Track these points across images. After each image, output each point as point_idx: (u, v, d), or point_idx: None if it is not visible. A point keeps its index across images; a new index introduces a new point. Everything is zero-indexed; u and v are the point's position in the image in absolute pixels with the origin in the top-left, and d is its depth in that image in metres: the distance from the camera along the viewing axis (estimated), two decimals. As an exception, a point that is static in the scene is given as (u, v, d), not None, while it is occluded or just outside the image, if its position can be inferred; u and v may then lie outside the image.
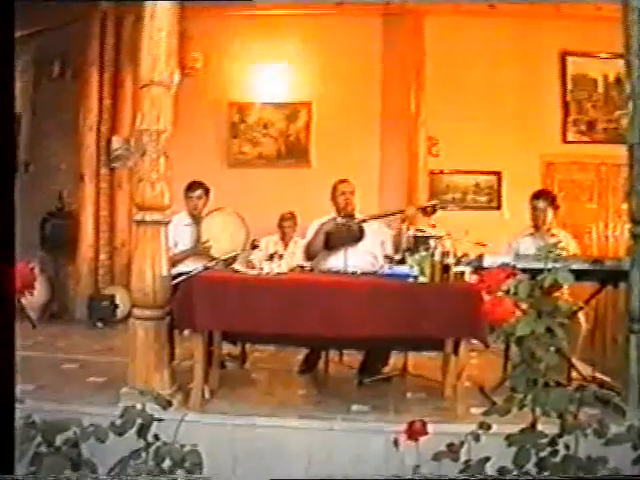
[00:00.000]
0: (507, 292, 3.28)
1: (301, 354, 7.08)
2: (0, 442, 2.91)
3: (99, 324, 9.56)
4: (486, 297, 3.41)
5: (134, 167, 9.91)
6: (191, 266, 6.25)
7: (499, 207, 10.50)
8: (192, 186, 7.20)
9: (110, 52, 10.57)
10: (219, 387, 6.13)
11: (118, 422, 3.58)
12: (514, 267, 3.62)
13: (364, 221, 6.80)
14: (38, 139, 10.92)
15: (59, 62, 10.87)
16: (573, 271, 3.40)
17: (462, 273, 5.78)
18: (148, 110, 5.57)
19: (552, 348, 3.15)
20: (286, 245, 9.07)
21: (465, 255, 6.04)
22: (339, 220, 6.82)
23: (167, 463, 3.48)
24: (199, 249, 6.82)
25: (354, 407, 5.67)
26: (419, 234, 6.19)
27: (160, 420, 3.69)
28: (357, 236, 6.74)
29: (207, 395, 5.75)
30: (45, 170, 10.72)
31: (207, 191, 7.25)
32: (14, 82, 3.35)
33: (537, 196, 7.22)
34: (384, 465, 4.90)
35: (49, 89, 10.92)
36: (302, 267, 6.54)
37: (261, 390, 6.47)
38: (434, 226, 6.38)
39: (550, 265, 3.27)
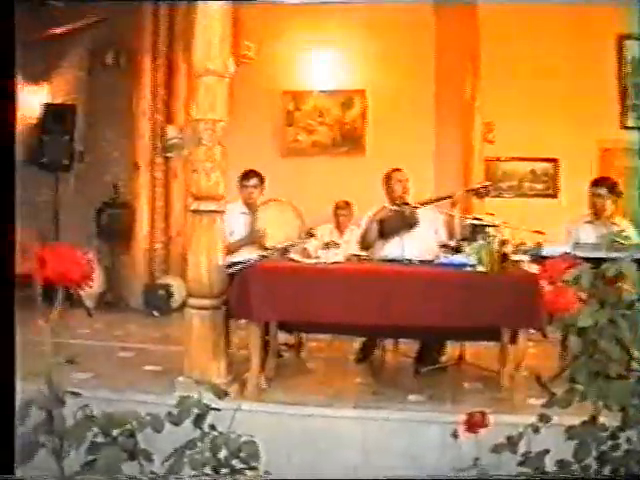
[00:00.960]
0: (568, 282, 3.22)
1: (357, 343, 7.04)
2: (0, 442, 2.91)
3: (154, 313, 9.62)
4: (547, 287, 3.35)
5: (189, 156, 9.95)
6: (246, 255, 6.24)
7: (556, 195, 10.37)
8: (247, 175, 7.16)
9: (164, 40, 10.55)
10: (275, 376, 6.12)
11: (174, 412, 3.57)
12: (575, 256, 3.52)
13: (417, 208, 6.74)
14: (93, 129, 11.00)
15: (113, 51, 10.94)
16: (636, 261, 3.32)
17: (520, 262, 5.71)
18: (203, 99, 5.56)
19: (614, 340, 3.07)
20: (341, 234, 9.03)
21: (522, 244, 5.97)
22: (393, 207, 6.78)
23: (223, 453, 3.47)
24: (254, 238, 6.79)
25: (410, 397, 5.64)
26: (476, 222, 6.13)
27: (216, 410, 3.67)
28: (411, 223, 6.70)
29: (263, 384, 5.75)
30: (100, 160, 10.81)
31: (262, 180, 7.21)
32: (15, 83, 3.35)
33: (597, 183, 7.09)
34: (440, 456, 4.87)
35: (103, 78, 10.99)
36: (358, 256, 6.47)
37: (317, 379, 6.43)
38: (492, 214, 6.30)
39: (613, 254, 3.20)
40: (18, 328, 2.95)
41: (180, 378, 5.47)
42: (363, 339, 6.96)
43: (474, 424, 3.74)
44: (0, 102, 3.17)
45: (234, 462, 3.47)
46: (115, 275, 10.33)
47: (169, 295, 9.72)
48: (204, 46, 5.58)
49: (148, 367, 6.41)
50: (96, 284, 9.02)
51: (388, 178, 6.91)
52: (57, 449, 2.90)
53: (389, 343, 6.93)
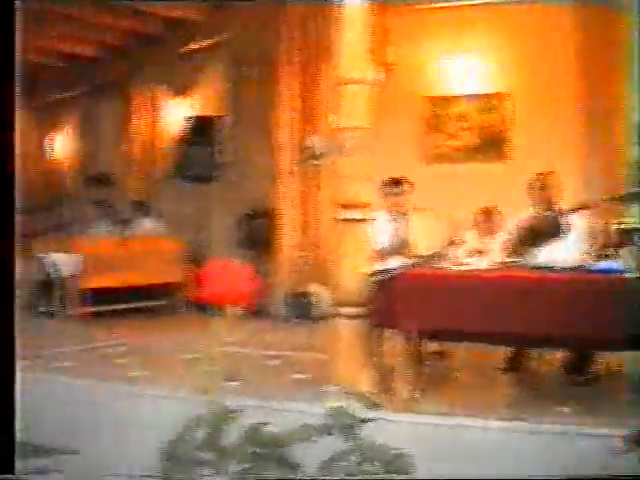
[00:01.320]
0: None
1: (505, 352, 6.89)
2: (0, 442, 2.92)
3: (297, 321, 9.66)
4: None
5: (332, 165, 9.98)
6: (393, 263, 6.20)
7: None
8: (392, 182, 7.12)
9: (305, 51, 10.63)
10: (422, 386, 6.04)
11: (325, 422, 3.55)
12: None
13: (564, 214, 6.58)
14: (236, 140, 11.17)
15: (255, 63, 11.08)
16: None
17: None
18: (348, 107, 5.56)
19: None
20: (487, 241, 8.86)
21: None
22: (539, 214, 6.63)
23: (374, 466, 3.42)
24: (400, 247, 6.74)
25: (561, 408, 5.46)
26: (626, 227, 5.94)
27: (367, 421, 3.63)
28: (558, 230, 6.53)
29: (410, 394, 5.68)
30: (243, 170, 10.95)
31: (407, 187, 7.16)
32: (14, 83, 3.37)
33: None
34: (597, 470, 4.71)
35: (246, 90, 11.15)
36: (504, 263, 6.34)
37: (464, 389, 6.33)
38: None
39: None
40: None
41: (328, 387, 5.46)
42: (511, 349, 6.80)
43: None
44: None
45: (385, 476, 3.42)
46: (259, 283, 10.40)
47: (312, 303, 9.75)
48: (349, 54, 5.59)
49: (296, 375, 6.42)
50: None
51: (535, 182, 6.76)
52: (217, 465, 2.90)
53: (538, 353, 6.75)
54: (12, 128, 3.32)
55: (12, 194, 3.28)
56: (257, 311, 10.12)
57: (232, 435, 2.99)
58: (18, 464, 3.10)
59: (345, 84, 5.60)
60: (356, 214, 5.47)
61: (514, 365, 6.72)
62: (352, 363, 5.43)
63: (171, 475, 2.90)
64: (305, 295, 9.87)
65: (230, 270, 2.78)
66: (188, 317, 9.65)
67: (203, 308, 2.87)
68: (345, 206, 5.49)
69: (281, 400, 5.58)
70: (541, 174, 6.79)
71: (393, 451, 3.46)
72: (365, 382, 5.43)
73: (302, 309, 9.78)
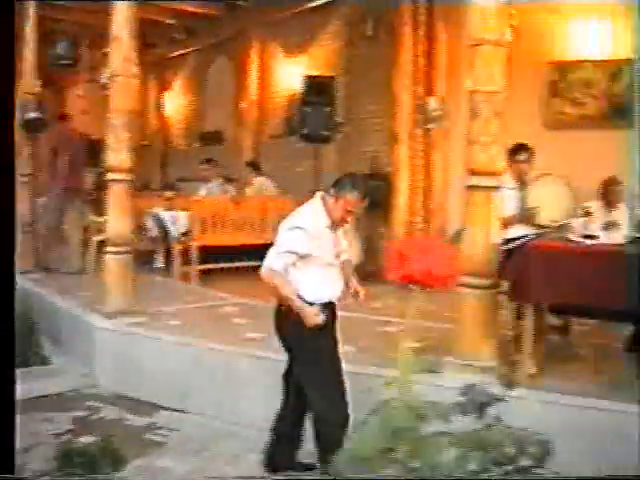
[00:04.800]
0: None
1: (627, 330, 6.59)
2: (0, 442, 2.83)
3: (411, 287, 9.48)
4: None
5: (450, 128, 9.78)
6: (520, 232, 6.00)
7: None
8: (517, 149, 6.89)
9: (423, 10, 10.42)
10: (544, 362, 5.81)
11: (460, 400, 3.41)
12: None
13: None
14: (353, 100, 11.04)
15: (372, 22, 10.93)
16: None
17: None
18: (480, 70, 5.36)
19: None
20: (610, 212, 8.55)
21: None
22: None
23: (509, 449, 3.25)
24: (526, 215, 6.52)
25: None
26: None
27: (502, 400, 3.48)
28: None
29: (532, 369, 5.48)
30: (360, 131, 10.84)
31: (532, 154, 6.92)
32: (14, 83, 3.25)
33: None
34: None
35: (363, 49, 11.00)
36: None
37: (588, 367, 6.07)
38: None
39: None
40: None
41: (448, 358, 5.31)
42: (634, 327, 6.51)
43: None
44: None
45: (522, 459, 3.25)
46: (374, 246, 10.30)
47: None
48: (481, 14, 5.37)
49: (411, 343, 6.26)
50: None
51: None
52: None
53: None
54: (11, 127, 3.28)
55: (12, 189, 3.20)
56: (373, 274, 9.99)
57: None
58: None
59: (477, 45, 5.37)
60: (488, 181, 5.25)
61: (637, 343, 6.44)
62: (477, 335, 5.25)
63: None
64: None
65: (433, 249, 2.63)
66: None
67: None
68: (476, 172, 5.28)
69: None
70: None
71: (532, 435, 3.30)
72: (488, 355, 5.25)
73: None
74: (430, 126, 10.22)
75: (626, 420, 4.72)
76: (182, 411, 6.54)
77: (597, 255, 5.25)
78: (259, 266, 4.79)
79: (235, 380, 6.36)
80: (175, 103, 17.51)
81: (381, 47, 10.74)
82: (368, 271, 9.96)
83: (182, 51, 16.79)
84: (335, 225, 4.94)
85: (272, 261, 4.71)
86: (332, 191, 4.88)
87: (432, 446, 2.95)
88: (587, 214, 6.11)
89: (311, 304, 4.66)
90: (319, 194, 4.96)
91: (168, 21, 15.15)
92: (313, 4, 12.08)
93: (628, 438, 4.59)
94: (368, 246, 10.15)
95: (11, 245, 3.48)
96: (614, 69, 9.98)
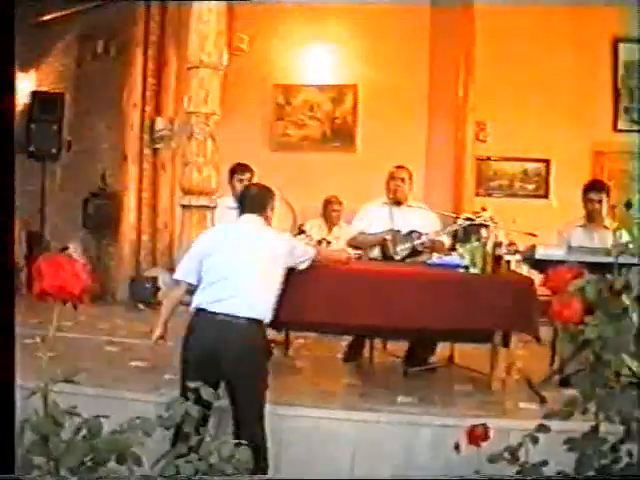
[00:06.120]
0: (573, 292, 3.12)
1: (345, 341, 6.93)
2: (0, 442, 2.82)
3: (140, 306, 9.50)
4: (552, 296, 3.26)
5: (178, 149, 9.87)
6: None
7: (546, 195, 10.32)
8: (238, 169, 7.01)
9: (155, 31, 10.48)
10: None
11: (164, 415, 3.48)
12: (579, 266, 3.40)
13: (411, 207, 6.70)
14: (81, 118, 10.91)
15: (103, 40, 10.86)
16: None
17: (508, 262, 5.67)
18: (196, 92, 5.51)
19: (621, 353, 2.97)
20: (330, 230, 8.93)
21: (512, 244, 5.91)
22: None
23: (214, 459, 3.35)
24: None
25: (400, 398, 5.52)
26: (470, 223, 6.06)
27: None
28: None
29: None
30: (88, 149, 10.72)
31: (252, 174, 7.10)
32: (14, 81, 3.27)
33: (591, 187, 6.97)
34: (431, 458, 4.81)
35: (93, 67, 10.91)
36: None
37: (306, 379, 6.33)
38: (484, 209, 6.18)
39: (610, 259, 3.11)
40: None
41: (166, 376, 5.40)
42: (351, 338, 6.84)
43: (476, 437, 3.66)
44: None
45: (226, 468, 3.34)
46: (101, 266, 10.23)
47: (155, 288, 9.60)
48: (199, 38, 5.52)
49: (134, 363, 6.29)
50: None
51: (389, 175, 6.80)
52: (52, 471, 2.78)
53: (377, 342, 6.82)
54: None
55: (12, 188, 3.08)
56: (100, 295, 9.89)
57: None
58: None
59: (193, 67, 5.52)
60: (202, 201, 5.39)
61: (354, 354, 6.74)
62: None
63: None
64: (149, 279, 9.72)
65: (63, 265, 2.67)
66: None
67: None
68: (190, 192, 5.40)
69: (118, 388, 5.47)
70: (396, 167, 6.82)
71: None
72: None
73: (145, 293, 9.61)
74: (158, 146, 10.26)
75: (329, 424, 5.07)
76: None
77: (309, 271, 5.46)
78: None
79: None
80: None
81: (112, 66, 10.66)
82: (95, 291, 9.88)
83: None
84: None
85: None
86: None
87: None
88: (301, 232, 6.36)
89: None
90: None
91: None
92: (44, 18, 11.82)
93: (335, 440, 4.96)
94: (95, 266, 10.04)
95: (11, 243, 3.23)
96: (336, 94, 10.42)
